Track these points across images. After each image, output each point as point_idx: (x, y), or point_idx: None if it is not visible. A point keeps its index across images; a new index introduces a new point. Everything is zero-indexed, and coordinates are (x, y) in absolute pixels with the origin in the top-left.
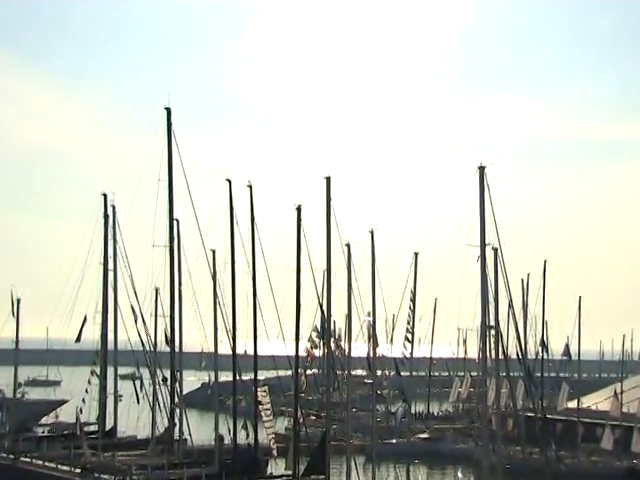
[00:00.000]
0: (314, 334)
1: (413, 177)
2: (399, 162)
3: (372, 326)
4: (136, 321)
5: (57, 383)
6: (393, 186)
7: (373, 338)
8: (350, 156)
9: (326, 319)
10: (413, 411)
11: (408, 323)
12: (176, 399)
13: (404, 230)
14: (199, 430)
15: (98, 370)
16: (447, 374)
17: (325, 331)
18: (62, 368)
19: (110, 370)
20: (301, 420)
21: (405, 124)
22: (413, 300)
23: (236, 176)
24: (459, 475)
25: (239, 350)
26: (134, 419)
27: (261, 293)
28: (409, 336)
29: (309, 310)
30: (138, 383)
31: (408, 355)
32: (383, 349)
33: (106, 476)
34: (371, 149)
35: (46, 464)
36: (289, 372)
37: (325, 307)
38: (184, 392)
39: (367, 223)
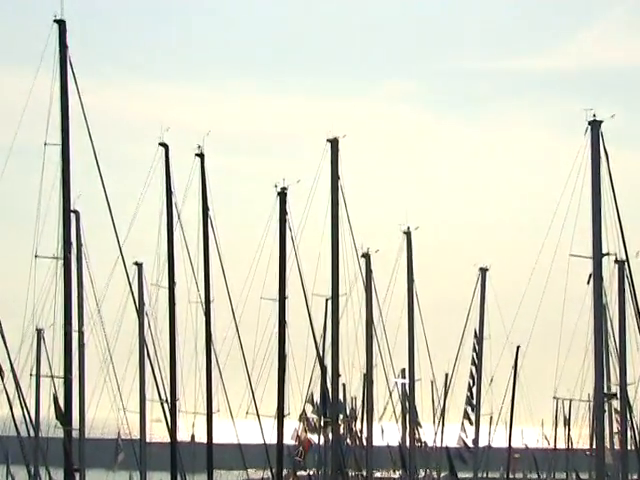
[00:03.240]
0: (309, 408)
1: (469, 145)
2: (445, 122)
3: (409, 394)
4: (4, 384)
5: None
6: (437, 161)
7: (410, 415)
8: (367, 116)
9: (330, 382)
10: None
11: (470, 389)
12: None
13: (460, 231)
14: None
15: None
16: (538, 477)
17: (328, 403)
18: None
19: None
20: None
21: (453, 58)
22: (479, 350)
23: (178, 139)
24: None
25: (182, 435)
26: None
27: (220, 337)
28: (472, 411)
29: (302, 366)
30: None
31: (471, 444)
32: (428, 433)
33: None
34: (401, 103)
35: None
36: (267, 473)
37: (329, 361)
38: None
39: (397, 219)
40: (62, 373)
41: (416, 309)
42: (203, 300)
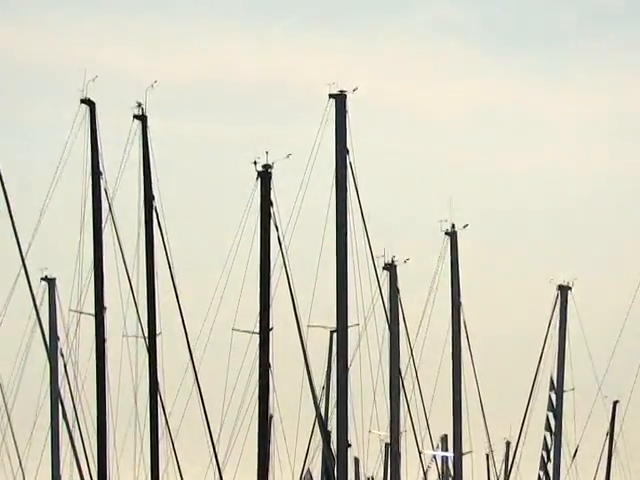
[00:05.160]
0: None
1: (537, 103)
2: (504, 67)
3: (453, 473)
4: None
5: None
6: (491, 126)
7: None
8: (388, 60)
9: (336, 455)
10: None
11: (544, 465)
12: None
13: (527, 231)
14: None
15: None
16: None
17: None
18: None
19: None
20: None
21: None
22: (557, 407)
23: (109, 93)
24: None
25: None
26: None
27: (171, 388)
28: None
29: (293, 431)
30: None
31: None
32: None
33: None
34: (441, 39)
35: None
36: None
37: (335, 424)
38: None
39: (436, 213)
40: None
41: (464, 346)
42: (146, 333)
